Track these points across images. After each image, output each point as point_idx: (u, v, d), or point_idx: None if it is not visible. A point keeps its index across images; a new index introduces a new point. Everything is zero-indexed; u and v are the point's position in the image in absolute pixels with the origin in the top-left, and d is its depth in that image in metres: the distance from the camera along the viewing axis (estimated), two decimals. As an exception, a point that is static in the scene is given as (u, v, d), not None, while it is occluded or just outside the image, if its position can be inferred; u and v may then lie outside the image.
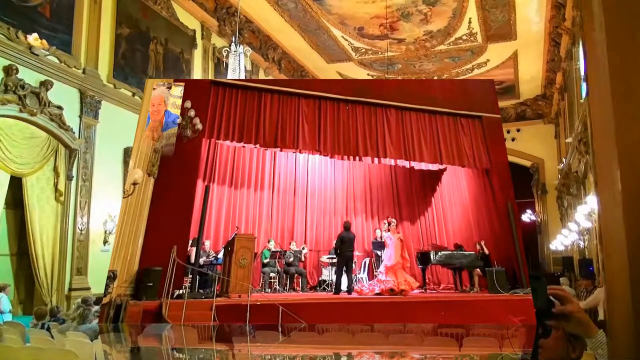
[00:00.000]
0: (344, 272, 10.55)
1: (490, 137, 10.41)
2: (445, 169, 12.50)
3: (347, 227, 10.84)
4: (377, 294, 10.11)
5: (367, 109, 10.18)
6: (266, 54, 17.76)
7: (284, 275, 11.39)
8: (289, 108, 9.84)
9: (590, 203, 12.78)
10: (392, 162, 11.24)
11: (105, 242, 12.14)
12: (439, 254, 10.70)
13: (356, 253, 11.59)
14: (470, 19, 16.30)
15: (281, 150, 11.50)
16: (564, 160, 18.51)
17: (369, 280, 11.51)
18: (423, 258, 10.78)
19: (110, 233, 12.12)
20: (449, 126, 10.70)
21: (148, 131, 8.59)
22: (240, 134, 9.87)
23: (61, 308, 10.01)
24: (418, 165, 11.48)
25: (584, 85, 14.03)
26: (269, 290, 11.10)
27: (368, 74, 20.27)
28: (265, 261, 11.25)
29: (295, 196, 12.87)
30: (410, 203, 13.34)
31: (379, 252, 11.59)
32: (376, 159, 11.01)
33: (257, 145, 10.66)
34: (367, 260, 12.05)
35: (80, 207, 11.59)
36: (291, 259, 11.47)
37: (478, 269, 10.56)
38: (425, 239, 12.76)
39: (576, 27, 14.58)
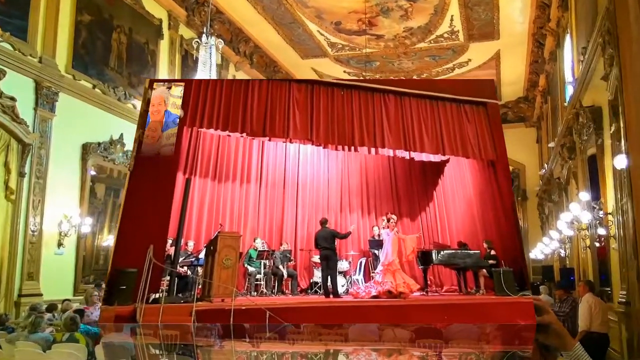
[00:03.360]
0: (328, 273, 9.80)
1: (495, 126, 9.75)
2: (447, 161, 11.80)
3: (322, 223, 10.14)
4: (373, 296, 9.37)
5: (363, 95, 9.48)
6: (237, 47, 17.14)
7: (272, 277, 10.78)
8: (279, 94, 9.06)
9: (573, 210, 12.26)
10: (391, 152, 10.54)
11: (60, 244, 11.48)
12: (441, 253, 10.02)
13: (352, 252, 11.07)
14: (452, 16, 16.06)
15: (270, 140, 10.67)
16: (545, 165, 18.33)
17: (365, 282, 10.91)
18: (424, 258, 10.11)
19: (65, 235, 11.45)
20: (452, 113, 10.03)
21: (148, 131, 8.08)
22: (225, 122, 9.06)
23: (10, 316, 9.59)
24: (419, 156, 10.72)
25: (568, 89, 13.81)
26: (255, 293, 10.43)
27: (344, 71, 19.88)
28: (247, 265, 10.49)
29: (285, 190, 12.15)
30: (410, 198, 12.73)
31: (376, 252, 10.90)
32: (373, 149, 10.20)
33: (244, 134, 9.73)
34: (363, 260, 11.40)
35: (33, 206, 10.93)
36: (280, 260, 10.83)
37: (484, 270, 9.85)
38: (426, 236, 12.05)
39: (561, 29, 14.42)
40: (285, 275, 11.02)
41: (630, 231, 7.15)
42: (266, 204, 11.92)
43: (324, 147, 11.12)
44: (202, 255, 9.64)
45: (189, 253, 10.04)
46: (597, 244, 11.29)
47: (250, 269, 10.78)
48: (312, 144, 10.75)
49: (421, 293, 9.97)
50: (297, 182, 12.37)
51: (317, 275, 11.09)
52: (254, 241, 10.98)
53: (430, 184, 12.67)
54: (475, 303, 8.71)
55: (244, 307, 7.25)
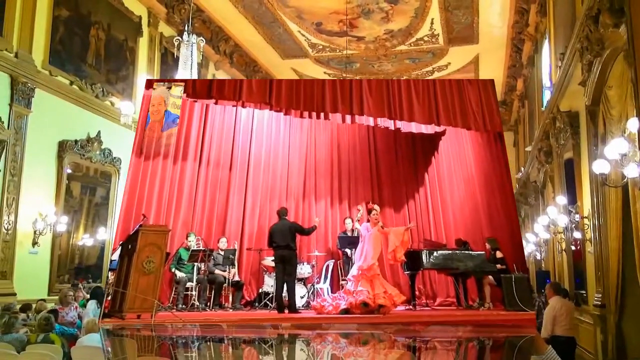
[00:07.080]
0: (284, 280, 8.38)
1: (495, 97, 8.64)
2: (443, 133, 10.16)
3: (280, 215, 8.81)
4: (343, 311, 7.85)
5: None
6: (217, 46, 17.06)
7: (208, 285, 9.15)
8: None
9: (550, 214, 12.37)
10: (371, 122, 9.09)
11: (34, 243, 11.23)
12: (435, 254, 8.53)
13: (316, 253, 9.44)
14: (432, 19, 16.16)
15: (216, 104, 9.21)
16: (522, 169, 18.57)
17: (333, 292, 9.23)
18: (412, 260, 8.60)
19: (40, 233, 11.20)
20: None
21: (148, 131, 7.96)
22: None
23: (-18, 316, 9.30)
24: (407, 127, 9.27)
25: (545, 93, 14.02)
26: (184, 307, 8.88)
27: (325, 72, 19.92)
28: (175, 270, 9.10)
29: (231, 171, 10.22)
30: (395, 181, 10.75)
31: (348, 251, 9.20)
32: (349, 117, 8.79)
33: (184, 96, 8.67)
34: (331, 263, 9.60)
35: (7, 204, 10.67)
36: (220, 262, 9.23)
37: (490, 276, 8.48)
38: (414, 232, 10.14)
39: (539, 34, 14.70)
40: (226, 283, 9.22)
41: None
42: (206, 189, 10.01)
43: (286, 114, 9.52)
44: (115, 256, 8.49)
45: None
46: (573, 247, 11.36)
47: (179, 274, 9.17)
48: (271, 109, 9.20)
49: (407, 307, 8.59)
50: (248, 159, 10.34)
51: (269, 284, 9.29)
52: (187, 238, 9.39)
53: (421, 164, 10.81)
54: (479, 321, 7.59)
55: (168, 326, 6.51)
